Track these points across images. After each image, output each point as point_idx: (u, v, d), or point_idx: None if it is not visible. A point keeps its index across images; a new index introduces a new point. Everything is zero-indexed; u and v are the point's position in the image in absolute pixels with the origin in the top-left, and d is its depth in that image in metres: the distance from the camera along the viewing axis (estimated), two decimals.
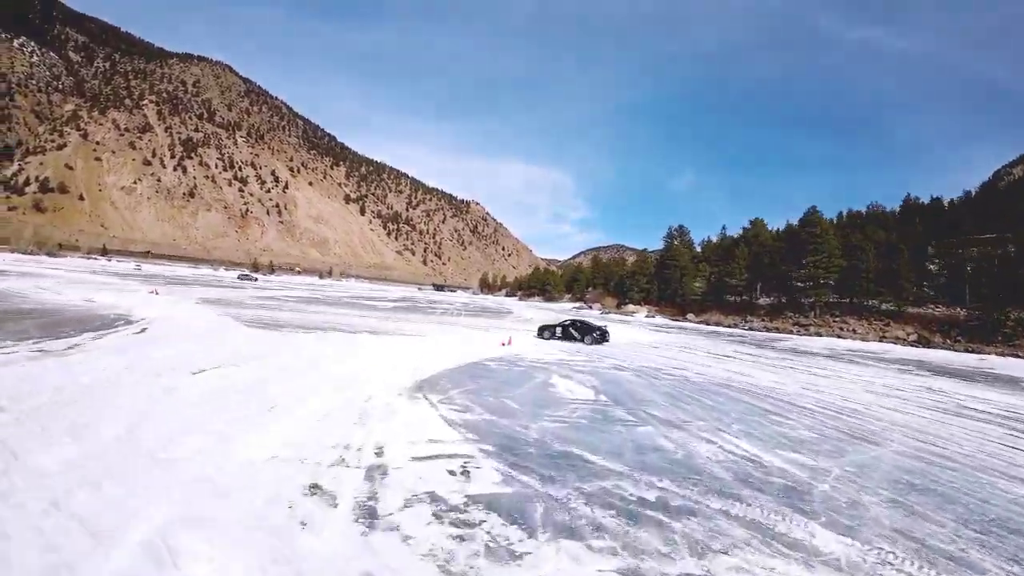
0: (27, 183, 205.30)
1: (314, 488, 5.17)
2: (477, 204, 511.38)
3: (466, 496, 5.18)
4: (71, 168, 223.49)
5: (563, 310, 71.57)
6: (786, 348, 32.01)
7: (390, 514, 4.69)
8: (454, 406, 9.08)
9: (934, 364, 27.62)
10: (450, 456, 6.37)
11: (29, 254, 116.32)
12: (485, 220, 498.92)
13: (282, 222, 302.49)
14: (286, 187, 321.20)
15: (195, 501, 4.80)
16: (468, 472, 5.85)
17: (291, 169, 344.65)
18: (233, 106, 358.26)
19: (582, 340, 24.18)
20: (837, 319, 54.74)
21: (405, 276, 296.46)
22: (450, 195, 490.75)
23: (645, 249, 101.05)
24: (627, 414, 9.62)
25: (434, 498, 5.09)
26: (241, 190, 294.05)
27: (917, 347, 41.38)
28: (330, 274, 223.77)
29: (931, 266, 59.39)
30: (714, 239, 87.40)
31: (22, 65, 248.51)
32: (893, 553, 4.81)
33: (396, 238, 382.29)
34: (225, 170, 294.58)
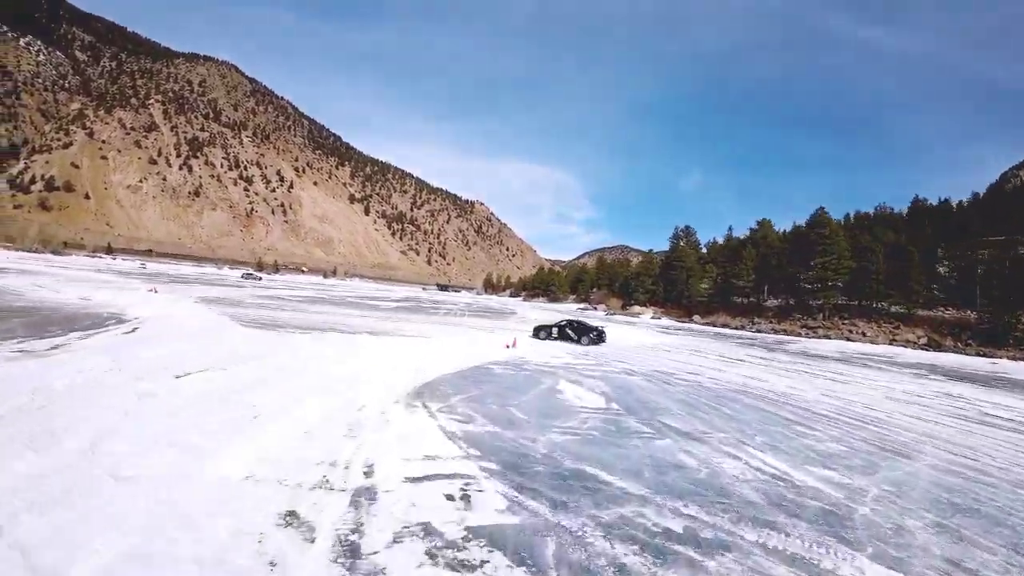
0: (33, 181, 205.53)
1: (290, 517, 4.48)
2: (481, 204, 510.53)
3: (465, 528, 4.46)
4: (77, 167, 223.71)
5: (568, 311, 70.84)
6: (797, 351, 31.28)
7: (375, 552, 3.98)
8: (455, 415, 8.37)
9: (948, 368, 26.96)
10: (448, 476, 5.64)
11: (34, 252, 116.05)
12: (489, 220, 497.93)
13: (287, 221, 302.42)
14: (291, 187, 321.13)
15: (152, 532, 4.13)
16: (468, 496, 5.14)
17: (296, 169, 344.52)
18: (239, 106, 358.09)
19: (579, 341, 23.64)
20: (846, 321, 53.93)
21: (409, 276, 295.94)
22: (454, 195, 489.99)
23: (651, 250, 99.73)
24: (642, 425, 8.90)
25: (428, 531, 4.37)
26: (246, 189, 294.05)
27: (928, 350, 40.77)
28: (334, 274, 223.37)
29: (941, 268, 58.62)
30: (720, 240, 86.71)
31: (28, 64, 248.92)
32: None
33: (400, 238, 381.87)
34: (230, 169, 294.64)
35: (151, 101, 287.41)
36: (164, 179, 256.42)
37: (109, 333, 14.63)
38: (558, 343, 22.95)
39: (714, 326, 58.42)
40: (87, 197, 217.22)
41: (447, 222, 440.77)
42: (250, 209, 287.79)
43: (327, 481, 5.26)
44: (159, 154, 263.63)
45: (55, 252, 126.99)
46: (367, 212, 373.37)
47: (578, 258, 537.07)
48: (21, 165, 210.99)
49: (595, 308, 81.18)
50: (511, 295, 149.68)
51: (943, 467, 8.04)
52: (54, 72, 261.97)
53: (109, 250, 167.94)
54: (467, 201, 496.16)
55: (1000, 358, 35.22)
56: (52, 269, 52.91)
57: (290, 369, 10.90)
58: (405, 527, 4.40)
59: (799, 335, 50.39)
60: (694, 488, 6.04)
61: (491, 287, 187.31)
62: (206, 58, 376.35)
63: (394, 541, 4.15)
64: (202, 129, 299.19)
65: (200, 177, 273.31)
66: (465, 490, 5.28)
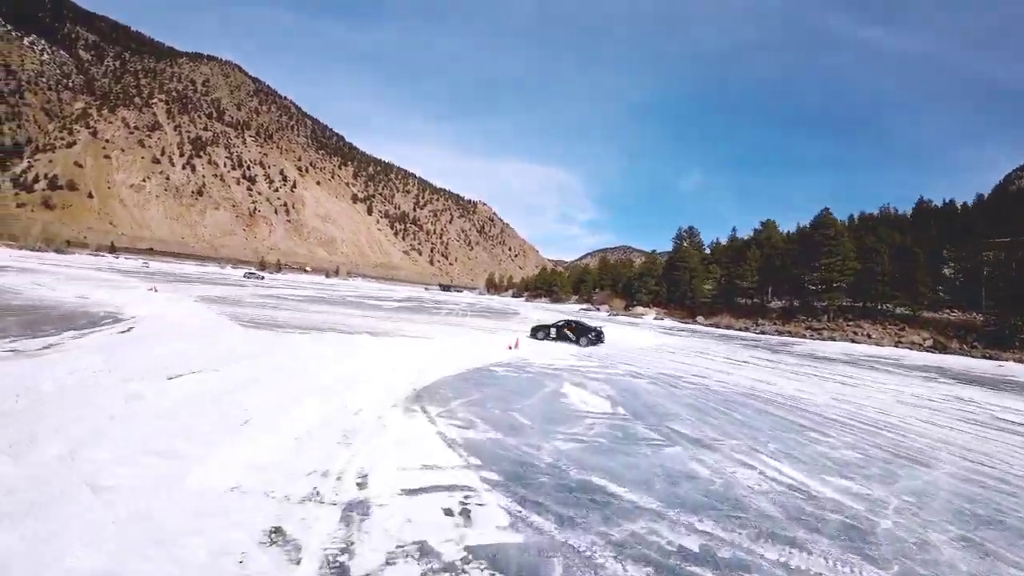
0: (36, 180, 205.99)
1: (275, 534, 4.14)
2: (484, 204, 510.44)
3: (465, 548, 4.11)
4: (80, 166, 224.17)
5: (570, 312, 70.44)
6: (803, 353, 30.87)
7: None
8: (455, 421, 8.01)
9: (955, 371, 26.63)
10: (447, 488, 5.28)
11: (37, 251, 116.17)
12: (492, 220, 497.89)
13: (290, 221, 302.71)
14: (294, 186, 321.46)
15: (125, 549, 3.80)
16: (468, 511, 4.78)
17: (299, 168, 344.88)
18: (242, 105, 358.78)
19: (577, 342, 23.26)
20: (851, 323, 53.54)
21: (412, 276, 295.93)
22: (457, 195, 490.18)
23: (654, 251, 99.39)
24: (650, 431, 8.54)
25: (424, 551, 4.02)
26: (249, 189, 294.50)
27: (933, 352, 40.46)
28: (337, 273, 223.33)
29: (946, 270, 58.20)
30: (723, 241, 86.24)
31: (32, 63, 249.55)
32: None
33: (403, 238, 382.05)
34: (234, 169, 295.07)
35: (155, 100, 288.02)
36: (167, 178, 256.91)
37: (104, 332, 14.35)
38: (559, 344, 22.58)
39: (718, 327, 58.01)
40: (90, 196, 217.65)
41: (450, 222, 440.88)
42: (253, 209, 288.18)
43: (317, 493, 4.93)
44: (162, 153, 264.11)
45: (58, 251, 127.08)
46: (370, 212, 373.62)
47: (580, 259, 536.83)
48: (25, 164, 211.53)
49: (598, 309, 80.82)
50: (513, 295, 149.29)
51: (962, 475, 7.75)
52: (58, 71, 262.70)
53: (112, 249, 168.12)
54: (470, 201, 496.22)
55: (1006, 360, 34.92)
56: (53, 268, 52.75)
57: (286, 370, 10.57)
58: (399, 546, 4.05)
59: (804, 337, 50.02)
60: (708, 501, 5.70)
61: (493, 287, 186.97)
62: (209, 58, 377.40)
63: (387, 563, 3.81)
64: (205, 128, 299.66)
65: (203, 176, 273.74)
66: (465, 504, 4.93)
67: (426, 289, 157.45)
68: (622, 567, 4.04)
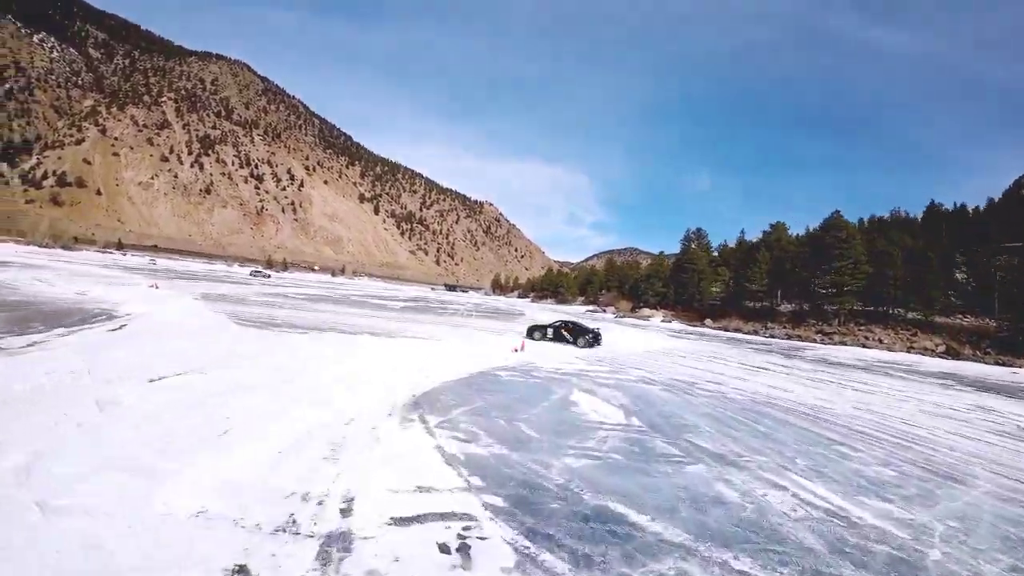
0: (45, 177, 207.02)
1: (238, 575, 3.50)
2: (491, 205, 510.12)
3: None
4: (89, 163, 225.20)
5: (576, 313, 69.79)
6: (816, 359, 30.05)
7: None
8: (456, 433, 7.31)
9: (971, 378, 25.92)
10: (444, 516, 4.58)
11: (44, 247, 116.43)
12: (498, 221, 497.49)
13: (297, 220, 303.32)
14: (301, 185, 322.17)
15: None
16: (468, 547, 4.09)
17: (307, 168, 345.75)
18: (250, 104, 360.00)
19: (575, 343, 22.79)
20: (862, 328, 52.58)
21: (418, 276, 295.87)
22: (464, 195, 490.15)
23: (662, 252, 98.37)
24: (669, 445, 7.83)
25: None
26: (257, 188, 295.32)
27: (946, 359, 39.67)
28: (343, 272, 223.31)
29: (958, 274, 57.21)
30: (731, 243, 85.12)
31: (42, 60, 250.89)
32: None
33: (409, 238, 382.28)
34: (241, 167, 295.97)
35: (163, 99, 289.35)
36: (175, 176, 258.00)
37: (94, 330, 13.81)
38: (563, 347, 21.90)
39: (726, 330, 57.13)
40: (99, 193, 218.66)
41: (456, 222, 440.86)
42: (260, 207, 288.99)
43: (294, 522, 4.26)
44: (171, 151, 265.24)
45: (65, 247, 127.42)
46: (376, 211, 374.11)
47: (587, 260, 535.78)
48: (34, 160, 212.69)
49: (604, 310, 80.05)
50: (519, 296, 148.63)
51: (1002, 495, 7.16)
52: (67, 69, 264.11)
53: (120, 246, 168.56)
54: (476, 201, 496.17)
55: (1020, 367, 34.22)
56: (58, 264, 52.57)
57: (277, 373, 9.92)
58: None
59: (814, 341, 49.14)
60: (741, 531, 5.00)
61: (499, 288, 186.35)
62: (218, 57, 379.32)
63: None
64: (214, 127, 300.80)
65: (211, 175, 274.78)
66: (464, 537, 4.24)
67: (432, 289, 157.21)
68: None
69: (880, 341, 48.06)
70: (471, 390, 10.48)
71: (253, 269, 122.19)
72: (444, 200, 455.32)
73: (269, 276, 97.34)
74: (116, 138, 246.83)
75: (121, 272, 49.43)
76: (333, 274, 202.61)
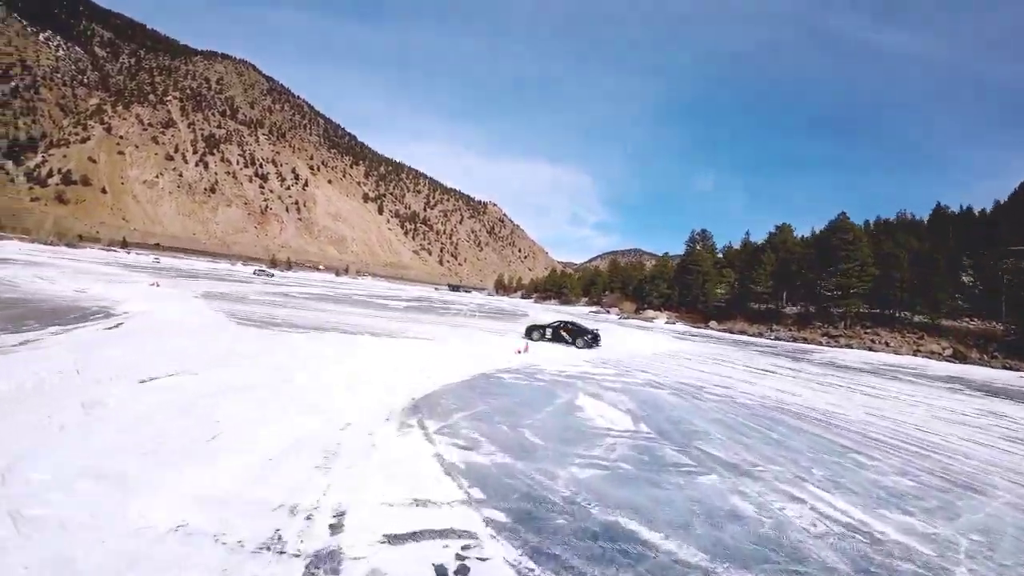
0: (50, 175, 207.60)
1: None
2: (494, 205, 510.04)
3: None
4: (94, 161, 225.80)
5: (580, 314, 69.47)
6: (823, 362, 29.65)
7: None
8: (456, 439, 6.97)
9: (979, 383, 25.48)
10: (442, 534, 4.23)
11: (49, 245, 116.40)
12: (502, 222, 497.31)
13: (301, 219, 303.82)
14: (306, 185, 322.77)
15: None
16: (467, 568, 3.72)
17: (311, 167, 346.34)
18: (255, 104, 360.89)
19: (573, 343, 22.63)
20: (868, 331, 52.08)
21: (421, 276, 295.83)
22: (468, 196, 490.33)
23: (666, 253, 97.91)
24: (679, 453, 7.47)
25: None
26: (261, 187, 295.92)
27: (953, 362, 39.18)
28: (347, 272, 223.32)
29: (965, 277, 56.66)
30: (735, 245, 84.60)
31: (47, 59, 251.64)
32: None
33: (413, 238, 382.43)
34: (246, 167, 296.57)
35: (169, 98, 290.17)
36: (180, 175, 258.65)
37: (89, 328, 13.54)
38: (567, 348, 21.57)
39: (731, 332, 56.67)
40: (104, 191, 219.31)
41: (460, 222, 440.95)
42: (265, 206, 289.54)
43: (279, 539, 3.93)
44: (176, 150, 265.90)
45: (70, 245, 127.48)
46: (380, 211, 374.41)
47: (590, 261, 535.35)
48: (39, 158, 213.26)
49: (607, 311, 79.63)
50: (522, 297, 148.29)
51: (1022, 505, 6.91)
52: (73, 67, 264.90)
53: (124, 244, 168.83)
54: (480, 202, 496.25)
55: None
56: (61, 261, 52.42)
57: (273, 375, 9.60)
58: None
59: (820, 344, 48.67)
60: (760, 549, 4.66)
61: (503, 288, 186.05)
62: (224, 56, 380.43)
63: None
64: (219, 126, 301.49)
65: (216, 174, 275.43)
66: (463, 558, 3.89)
67: (435, 289, 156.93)
68: None
69: (887, 344, 47.55)
70: (473, 393, 10.14)
71: (257, 268, 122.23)
72: (448, 200, 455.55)
73: (273, 275, 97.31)
74: (121, 137, 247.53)
75: (123, 270, 49.28)
76: (337, 273, 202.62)
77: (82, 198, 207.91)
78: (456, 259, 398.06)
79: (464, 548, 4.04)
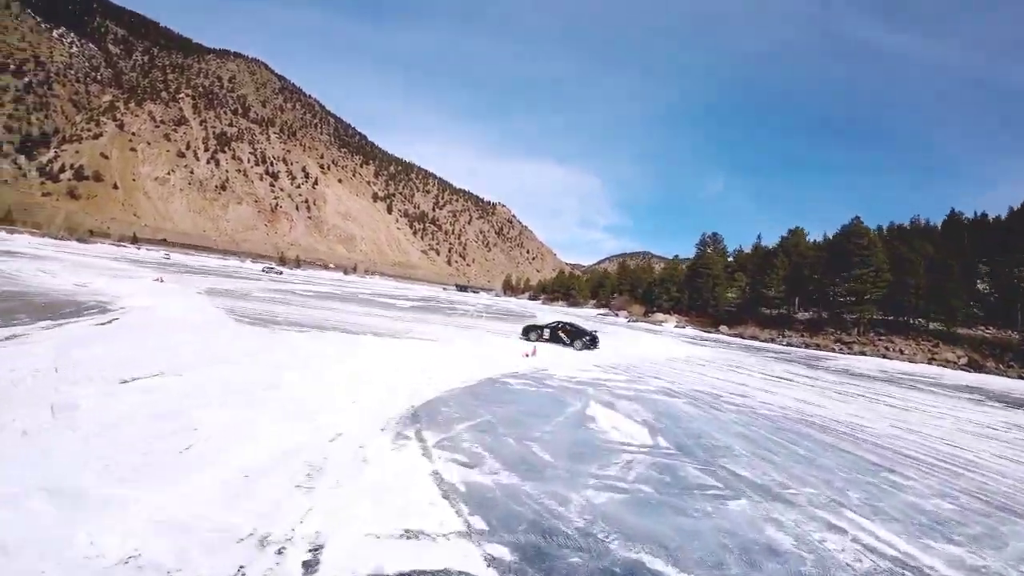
0: (62, 170, 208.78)
1: None
2: (503, 206, 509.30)
3: None
4: (106, 157, 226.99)
5: (588, 316, 68.78)
6: (839, 369, 28.84)
7: None
8: (457, 454, 6.30)
9: (998, 393, 24.89)
10: None
11: (59, 239, 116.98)
12: (511, 223, 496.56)
13: (310, 218, 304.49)
14: (316, 183, 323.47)
15: None
16: None
17: (321, 166, 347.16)
18: (267, 102, 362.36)
19: (571, 344, 22.14)
20: (882, 338, 51.09)
21: (429, 275, 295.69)
22: (477, 196, 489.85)
23: (676, 256, 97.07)
24: (703, 472, 6.78)
25: None
26: (272, 185, 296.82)
27: (968, 371, 38.46)
28: (355, 271, 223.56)
29: (980, 285, 55.51)
30: (745, 249, 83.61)
31: (61, 55, 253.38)
32: None
33: (422, 237, 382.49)
34: (257, 165, 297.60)
35: (181, 95, 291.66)
36: (191, 172, 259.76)
37: (81, 324, 13.01)
38: (577, 353, 20.89)
39: (742, 337, 55.80)
40: (115, 187, 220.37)
41: (468, 223, 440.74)
42: (275, 204, 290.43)
43: None
44: (187, 147, 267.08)
45: (80, 240, 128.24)
46: (390, 211, 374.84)
47: (599, 263, 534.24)
48: (51, 154, 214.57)
49: (616, 314, 78.80)
50: (530, 298, 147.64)
51: None
52: (86, 64, 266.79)
53: (135, 240, 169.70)
54: (489, 203, 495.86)
55: None
56: (68, 255, 52.27)
57: (264, 378, 8.98)
58: None
59: (832, 350, 47.79)
60: None
61: (510, 289, 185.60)
62: (236, 55, 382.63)
63: None
64: (230, 124, 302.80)
65: (227, 171, 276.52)
66: None
67: (443, 289, 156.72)
68: None
69: (901, 352, 46.62)
70: (477, 400, 9.46)
71: (265, 265, 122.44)
72: (457, 200, 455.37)
73: (281, 273, 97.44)
74: (134, 133, 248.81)
75: (130, 265, 49.03)
76: (345, 272, 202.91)
77: (94, 194, 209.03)
78: (464, 259, 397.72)
79: None
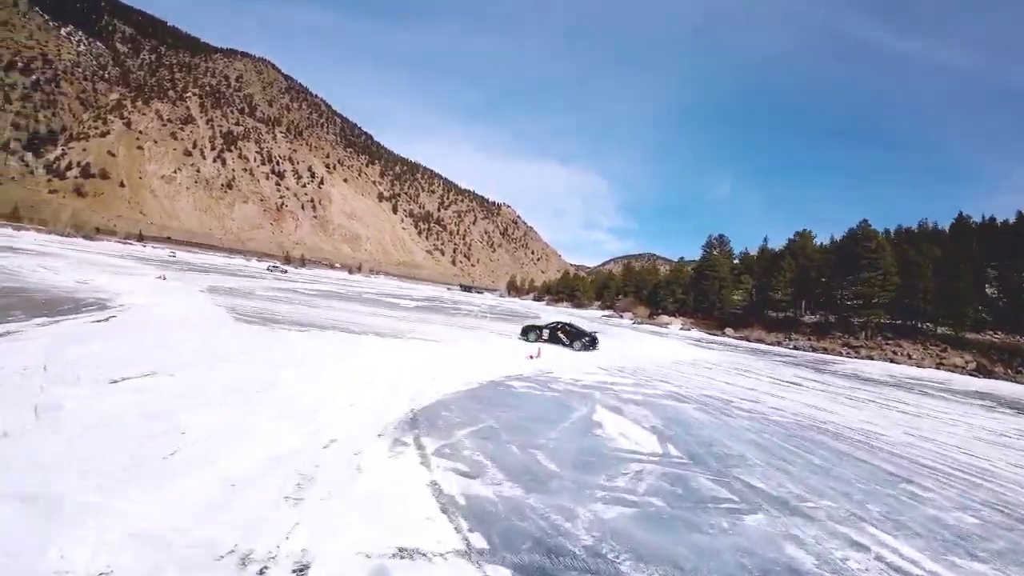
0: (69, 168, 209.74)
1: None
2: (508, 207, 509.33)
3: None
4: (113, 155, 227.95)
5: (592, 317, 68.43)
6: (847, 374, 28.43)
7: None
8: (457, 463, 5.98)
9: (1009, 399, 24.40)
10: None
11: (65, 236, 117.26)
12: (516, 223, 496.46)
13: (316, 217, 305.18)
14: (321, 183, 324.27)
15: None
16: None
17: (327, 165, 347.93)
18: (274, 102, 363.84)
19: (570, 345, 21.92)
20: (890, 342, 50.56)
21: (434, 275, 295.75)
22: (482, 197, 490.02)
23: (681, 258, 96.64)
24: (716, 484, 6.44)
25: None
26: (278, 184, 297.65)
27: (976, 376, 37.91)
28: (360, 270, 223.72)
29: (988, 289, 54.94)
30: (752, 252, 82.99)
31: (69, 53, 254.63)
32: None
33: (427, 237, 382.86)
34: (263, 164, 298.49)
35: (188, 94, 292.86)
36: (198, 171, 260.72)
37: (77, 321, 12.81)
38: (579, 354, 20.57)
39: (748, 340, 55.28)
40: (122, 185, 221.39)
41: (473, 223, 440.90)
42: (281, 203, 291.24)
43: None
44: (194, 146, 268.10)
45: (86, 237, 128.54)
46: (395, 211, 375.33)
47: (604, 264, 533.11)
48: (58, 151, 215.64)
49: (621, 316, 78.36)
50: (534, 299, 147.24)
51: None
52: (94, 62, 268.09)
53: (141, 238, 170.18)
54: (494, 203, 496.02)
55: None
56: (72, 252, 52.30)
57: (259, 378, 8.69)
58: None
59: (840, 354, 47.26)
60: None
61: (514, 290, 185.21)
62: (243, 54, 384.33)
63: None
64: (237, 123, 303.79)
65: (233, 170, 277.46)
66: None
67: (448, 289, 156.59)
68: None
69: (909, 356, 46.10)
70: (480, 404, 9.15)
71: (270, 264, 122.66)
72: (462, 201, 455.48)
73: (286, 271, 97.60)
74: (140, 132, 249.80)
75: (134, 263, 48.99)
76: (350, 271, 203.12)
77: (100, 191, 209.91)
78: (469, 260, 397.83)
79: None
